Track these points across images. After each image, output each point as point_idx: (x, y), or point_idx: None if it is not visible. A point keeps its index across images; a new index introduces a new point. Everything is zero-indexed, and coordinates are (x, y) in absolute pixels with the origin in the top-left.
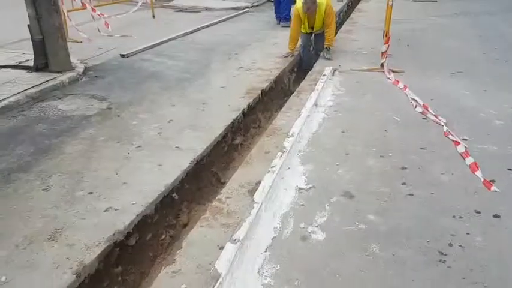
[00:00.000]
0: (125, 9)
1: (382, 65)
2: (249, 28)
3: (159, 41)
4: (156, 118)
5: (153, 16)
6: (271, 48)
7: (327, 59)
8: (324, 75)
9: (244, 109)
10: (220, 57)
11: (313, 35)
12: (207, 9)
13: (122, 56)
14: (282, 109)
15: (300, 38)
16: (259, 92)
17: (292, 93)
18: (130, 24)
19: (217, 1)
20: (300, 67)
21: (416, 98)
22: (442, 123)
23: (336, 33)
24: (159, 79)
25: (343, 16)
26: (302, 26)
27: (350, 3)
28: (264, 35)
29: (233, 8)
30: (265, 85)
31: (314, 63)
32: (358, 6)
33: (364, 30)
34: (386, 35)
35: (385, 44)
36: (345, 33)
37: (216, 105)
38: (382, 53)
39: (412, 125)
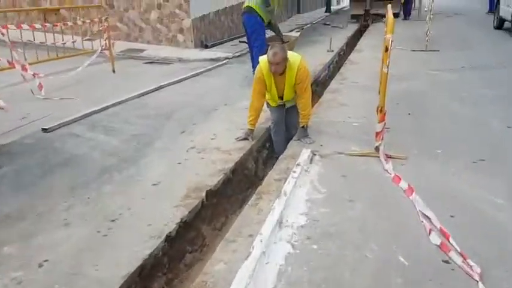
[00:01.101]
0: (80, 63)
1: (377, 149)
2: (222, 85)
3: (103, 105)
4: (24, 257)
5: (113, 70)
6: (239, 116)
7: (307, 143)
8: (298, 164)
9: (169, 234)
10: (172, 130)
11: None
12: (180, 60)
13: (44, 130)
14: (227, 234)
15: (270, 112)
16: (204, 194)
17: (261, 179)
18: (82, 81)
19: (194, 51)
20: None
21: (428, 212)
22: (476, 277)
23: (319, 96)
24: (75, 168)
25: (333, 69)
26: (268, 95)
27: (342, 53)
28: (236, 95)
29: (211, 59)
30: (216, 180)
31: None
32: (350, 57)
33: (355, 89)
34: (380, 111)
35: (379, 122)
36: (331, 93)
37: (130, 223)
38: (377, 134)
39: (427, 278)
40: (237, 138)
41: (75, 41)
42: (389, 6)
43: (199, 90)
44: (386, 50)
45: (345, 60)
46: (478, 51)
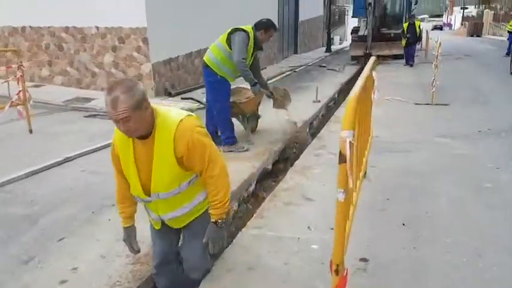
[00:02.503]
0: None
1: None
2: None
3: None
4: None
5: (30, 130)
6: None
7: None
8: None
9: None
10: (16, 255)
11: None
12: None
13: None
14: None
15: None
16: None
17: None
18: None
19: (153, 101)
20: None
21: None
22: None
23: (287, 169)
24: None
25: (316, 128)
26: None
27: (332, 103)
28: None
29: None
30: None
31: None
32: (337, 112)
33: (331, 168)
34: (336, 272)
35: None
36: (298, 173)
37: None
38: None
39: None
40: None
41: None
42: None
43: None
44: (343, 161)
45: (331, 116)
46: (496, 106)
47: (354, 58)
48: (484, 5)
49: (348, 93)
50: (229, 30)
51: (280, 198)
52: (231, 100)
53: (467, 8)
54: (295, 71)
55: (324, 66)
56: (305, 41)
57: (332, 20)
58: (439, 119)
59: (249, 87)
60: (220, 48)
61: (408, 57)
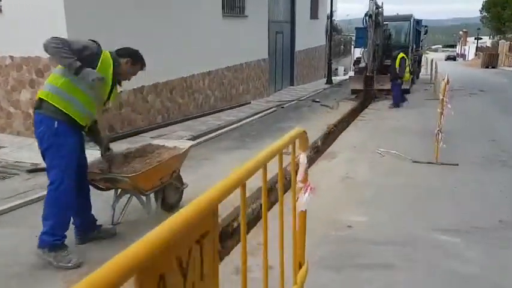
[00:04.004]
0: None
1: None
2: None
3: None
4: None
5: None
6: None
7: None
8: None
9: None
10: None
11: None
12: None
13: None
14: None
15: None
16: None
17: None
18: None
19: None
20: None
21: None
22: None
23: None
24: None
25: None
26: None
27: (311, 153)
28: None
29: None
30: None
31: None
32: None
33: None
34: None
35: None
36: None
37: None
38: None
39: None
40: None
41: None
42: None
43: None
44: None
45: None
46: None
47: (354, 92)
48: (499, 36)
49: (335, 138)
50: None
51: None
52: (115, 172)
53: (481, 39)
54: (282, 107)
55: (318, 101)
56: (303, 72)
57: (337, 49)
58: (443, 193)
59: (168, 143)
60: (59, 72)
61: (395, 96)
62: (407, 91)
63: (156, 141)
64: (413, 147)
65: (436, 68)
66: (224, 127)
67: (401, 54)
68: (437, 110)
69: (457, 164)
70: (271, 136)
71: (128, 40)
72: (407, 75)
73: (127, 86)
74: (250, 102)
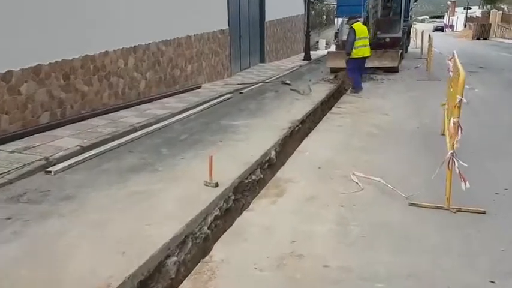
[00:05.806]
0: None
1: None
2: None
3: None
4: None
5: None
6: None
7: None
8: None
9: None
10: None
11: None
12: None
13: None
14: None
15: None
16: None
17: None
18: None
19: None
20: None
21: None
22: None
23: None
24: None
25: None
26: None
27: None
28: None
29: None
30: None
31: None
32: (243, 214)
33: None
34: None
35: None
36: None
37: None
38: None
39: None
40: None
41: None
42: None
43: None
44: None
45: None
46: None
47: (333, 71)
48: (489, 5)
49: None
50: None
51: None
52: None
53: (470, 8)
54: (241, 93)
55: (288, 84)
56: (277, 46)
57: (318, 20)
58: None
59: None
60: None
61: (354, 80)
62: (396, 69)
63: None
64: (409, 166)
65: (430, 41)
66: (143, 127)
67: (358, 25)
68: (446, 124)
69: (485, 212)
70: (204, 146)
71: None
72: (357, 51)
73: None
74: (200, 86)
